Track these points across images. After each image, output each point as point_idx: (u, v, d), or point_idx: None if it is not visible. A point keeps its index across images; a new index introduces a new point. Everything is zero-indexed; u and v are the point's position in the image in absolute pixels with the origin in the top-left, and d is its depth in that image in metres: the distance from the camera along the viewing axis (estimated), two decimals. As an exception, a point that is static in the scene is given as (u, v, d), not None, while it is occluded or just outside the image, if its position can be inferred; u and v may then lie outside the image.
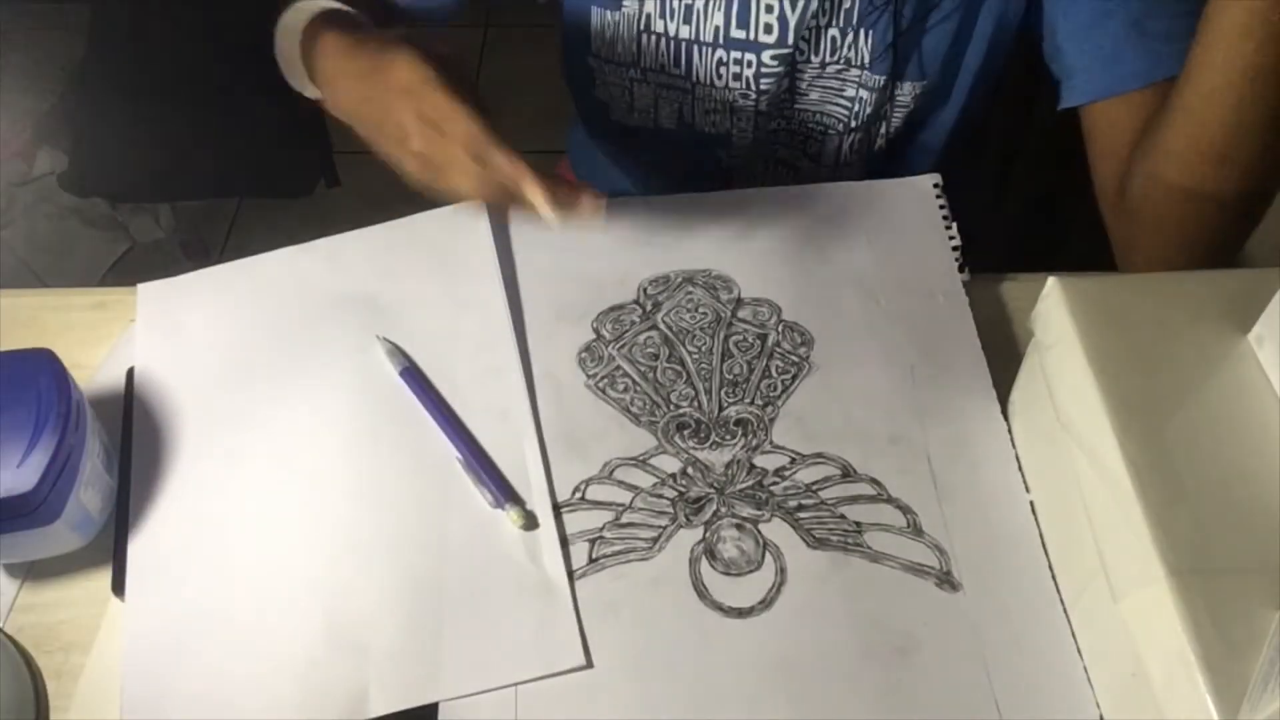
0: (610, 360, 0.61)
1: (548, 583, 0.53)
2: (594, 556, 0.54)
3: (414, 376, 0.59)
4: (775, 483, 0.56)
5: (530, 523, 0.54)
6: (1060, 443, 0.50)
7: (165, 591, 0.53)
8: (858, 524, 0.54)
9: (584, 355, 0.61)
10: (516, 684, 0.50)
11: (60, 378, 0.54)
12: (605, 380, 0.60)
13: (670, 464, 0.57)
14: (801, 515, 0.54)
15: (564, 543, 0.54)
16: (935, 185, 0.67)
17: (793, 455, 0.57)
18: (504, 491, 0.55)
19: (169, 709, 0.50)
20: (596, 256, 0.65)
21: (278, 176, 1.68)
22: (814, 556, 0.53)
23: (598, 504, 0.55)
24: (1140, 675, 0.43)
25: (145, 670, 0.51)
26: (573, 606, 0.52)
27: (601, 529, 0.55)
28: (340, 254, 0.67)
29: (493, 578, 0.53)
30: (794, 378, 0.59)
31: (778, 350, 0.61)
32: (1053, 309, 0.52)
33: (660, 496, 0.55)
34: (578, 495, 0.56)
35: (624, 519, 0.55)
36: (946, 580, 0.52)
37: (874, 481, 0.56)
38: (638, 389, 0.59)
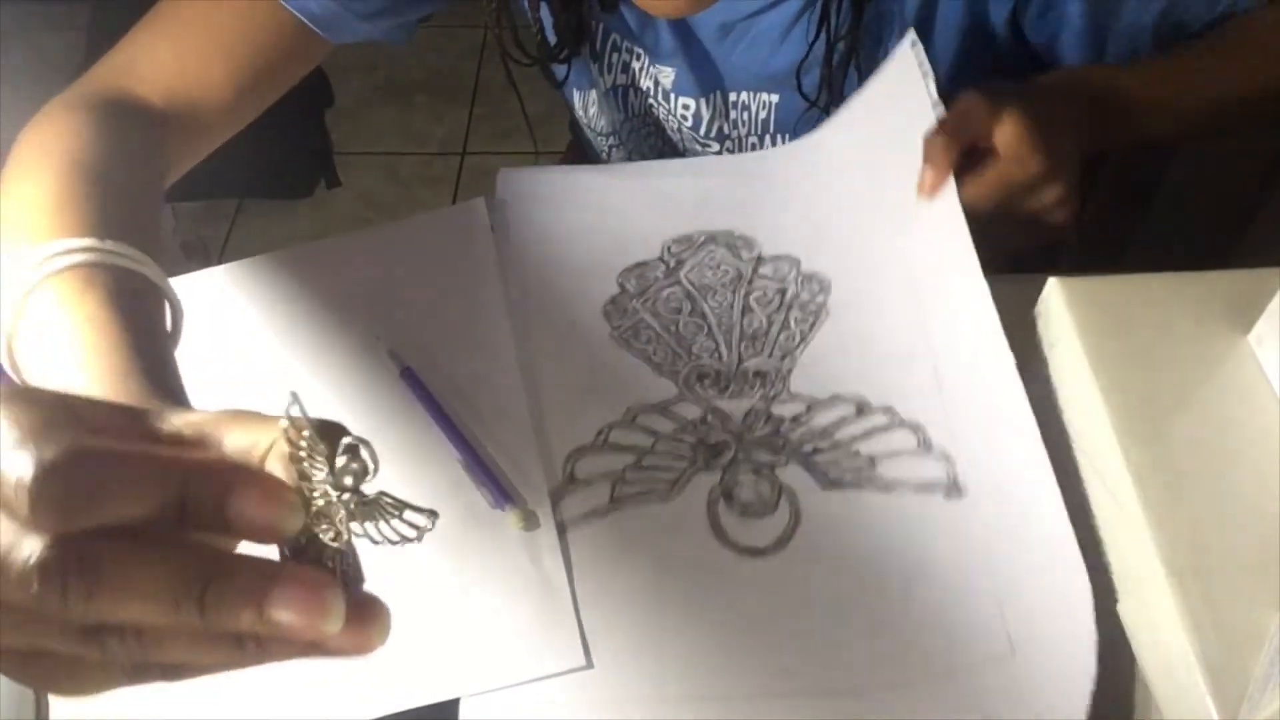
0: (634, 313, 0.62)
1: (548, 583, 0.53)
2: (615, 496, 0.55)
3: (414, 377, 0.59)
4: (792, 429, 0.56)
5: (530, 523, 0.54)
6: (1060, 445, 0.50)
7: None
8: (871, 458, 0.55)
9: (609, 308, 0.62)
10: (516, 684, 0.50)
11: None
12: (629, 331, 0.61)
13: (691, 411, 0.57)
14: (817, 459, 0.55)
15: (585, 483, 0.55)
16: (912, 44, 0.62)
17: (809, 401, 0.57)
18: (504, 492, 0.55)
19: (169, 708, 0.50)
20: (622, 215, 0.66)
21: (278, 177, 1.68)
22: (827, 498, 0.54)
23: (620, 447, 0.57)
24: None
25: (145, 670, 0.51)
26: (573, 606, 0.52)
27: (623, 471, 0.56)
28: (340, 255, 0.67)
29: (493, 578, 0.53)
30: (811, 326, 0.60)
31: (796, 302, 0.61)
32: (1053, 310, 0.52)
33: (680, 441, 0.56)
34: (601, 438, 0.57)
35: (645, 462, 0.56)
36: (954, 488, 0.53)
37: (886, 410, 0.56)
38: (660, 340, 0.60)
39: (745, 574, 0.52)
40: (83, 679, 0.29)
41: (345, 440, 0.27)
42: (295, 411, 0.27)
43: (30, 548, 0.25)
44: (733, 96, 0.72)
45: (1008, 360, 0.51)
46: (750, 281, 0.63)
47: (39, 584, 0.25)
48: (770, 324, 0.61)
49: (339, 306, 0.64)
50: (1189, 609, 0.40)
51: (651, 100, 0.75)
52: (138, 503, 0.26)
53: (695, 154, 0.79)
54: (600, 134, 0.81)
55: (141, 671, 0.29)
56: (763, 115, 0.72)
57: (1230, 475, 0.44)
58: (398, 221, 0.68)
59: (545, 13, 0.67)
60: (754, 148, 0.75)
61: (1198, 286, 0.51)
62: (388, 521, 0.27)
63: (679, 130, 0.76)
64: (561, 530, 0.54)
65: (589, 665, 0.50)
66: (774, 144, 0.75)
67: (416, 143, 1.93)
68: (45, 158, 0.51)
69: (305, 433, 0.27)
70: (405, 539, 0.27)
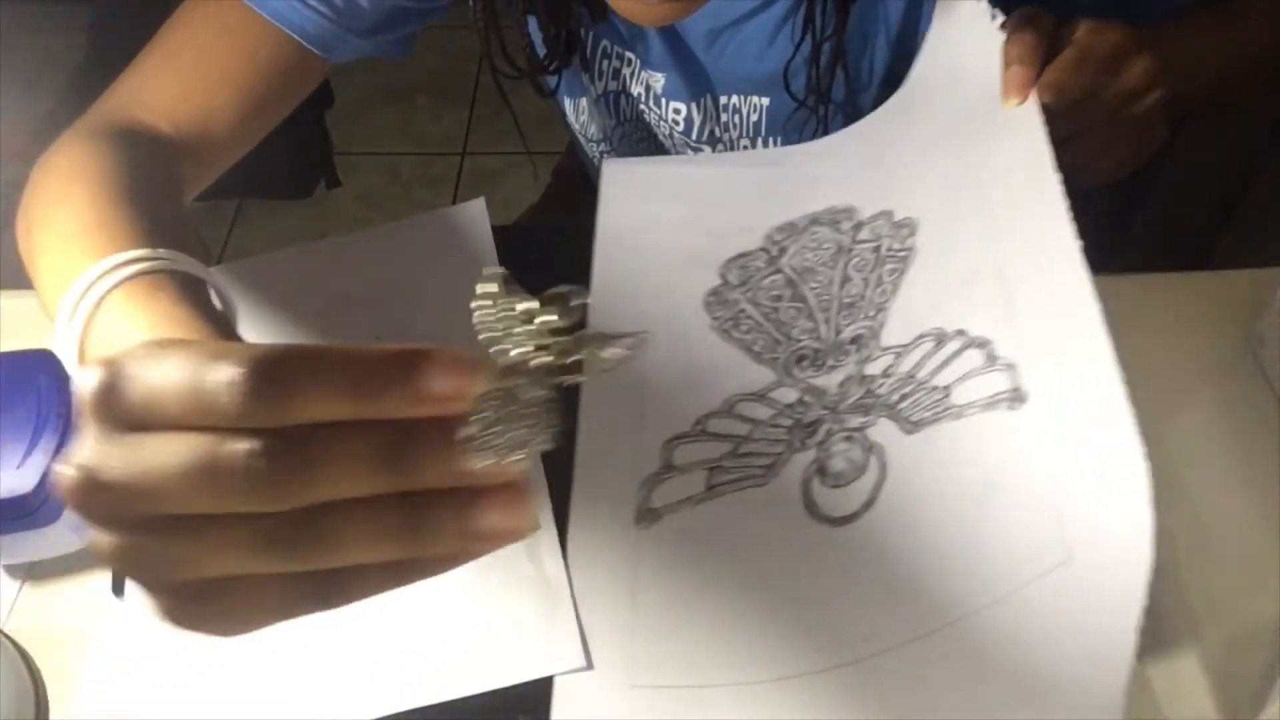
0: (735, 304, 0.61)
1: (548, 583, 0.53)
2: (711, 484, 0.54)
3: (414, 377, 0.59)
4: (881, 383, 0.55)
5: (530, 524, 0.54)
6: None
7: (165, 592, 0.53)
8: (946, 387, 0.52)
9: (710, 299, 0.61)
10: (515, 684, 0.50)
11: (60, 378, 0.54)
12: (730, 322, 0.60)
13: (788, 395, 0.57)
14: (902, 405, 0.53)
15: (682, 471, 0.55)
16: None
17: (897, 350, 0.56)
18: (504, 492, 0.55)
19: (169, 709, 0.50)
20: (723, 207, 0.66)
21: (278, 177, 1.67)
22: (910, 442, 0.52)
23: (717, 436, 0.56)
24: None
25: (145, 670, 0.51)
26: (572, 606, 0.52)
27: (720, 459, 0.55)
28: (341, 255, 0.67)
29: (493, 578, 0.53)
30: (901, 273, 0.58)
31: (888, 254, 0.60)
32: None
33: (777, 426, 0.56)
34: (698, 428, 0.56)
35: (742, 449, 0.55)
36: (1016, 396, 0.50)
37: (960, 333, 0.54)
38: (760, 329, 0.60)
39: (834, 543, 0.50)
40: (251, 606, 0.30)
41: (553, 290, 0.28)
42: (485, 287, 0.28)
43: (243, 442, 0.27)
44: (723, 100, 0.72)
45: (1074, 251, 0.48)
46: (850, 251, 0.61)
47: (250, 467, 0.26)
48: (865, 285, 0.59)
49: (339, 306, 0.64)
50: (1190, 609, 0.40)
51: (642, 106, 0.75)
52: (331, 392, 0.27)
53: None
54: (592, 140, 0.81)
55: (320, 590, 0.30)
56: (754, 119, 0.72)
57: (1230, 475, 0.44)
58: (398, 221, 0.68)
59: (533, 26, 0.67)
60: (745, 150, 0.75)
61: (1198, 286, 0.51)
62: (598, 353, 0.28)
63: (670, 136, 0.76)
64: (655, 516, 0.53)
65: (589, 666, 0.50)
66: (766, 148, 0.74)
67: (416, 143, 1.93)
68: (72, 185, 0.51)
69: (498, 289, 0.28)
70: (621, 363, 0.28)
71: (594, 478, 0.55)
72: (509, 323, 0.28)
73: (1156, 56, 0.55)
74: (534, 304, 0.28)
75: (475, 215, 0.66)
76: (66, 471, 0.28)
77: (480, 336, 0.28)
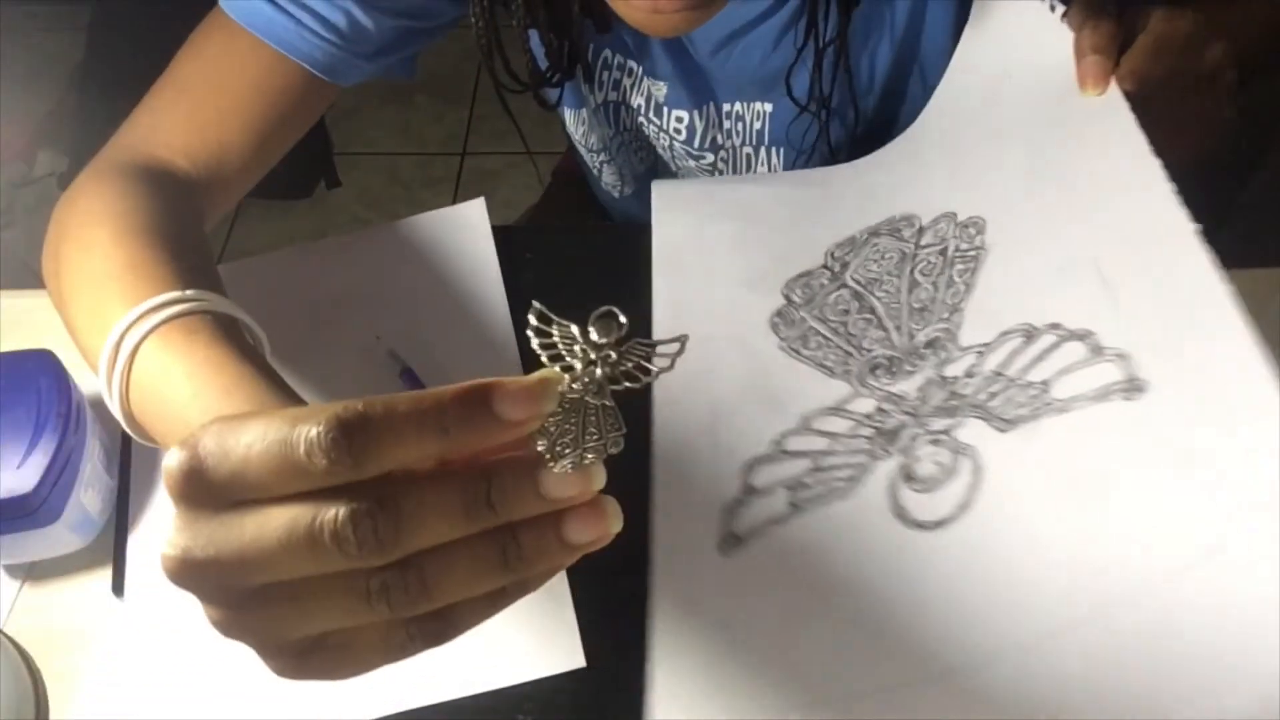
0: (802, 323, 0.60)
1: (547, 583, 0.53)
2: (794, 502, 0.53)
3: (414, 377, 0.59)
4: (965, 384, 0.53)
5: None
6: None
7: (165, 591, 0.53)
8: (1044, 382, 0.51)
9: (776, 320, 0.60)
10: (515, 685, 0.50)
11: (60, 378, 0.54)
12: (798, 341, 0.59)
13: (866, 405, 0.55)
14: (991, 404, 0.52)
15: (763, 493, 0.53)
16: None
17: (979, 349, 0.54)
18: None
19: (169, 709, 0.50)
20: (781, 226, 0.65)
21: (278, 177, 1.66)
22: (1006, 440, 0.50)
23: (797, 454, 0.55)
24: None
25: (145, 670, 0.51)
26: (572, 607, 0.52)
27: (800, 476, 0.54)
28: (340, 255, 0.67)
29: (493, 578, 0.53)
30: (973, 272, 0.57)
31: (956, 254, 0.59)
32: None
33: (857, 436, 0.54)
34: (776, 448, 0.55)
35: (823, 463, 0.54)
36: (1133, 385, 0.48)
37: (1053, 327, 0.52)
38: (830, 344, 0.58)
39: (932, 549, 0.49)
40: (362, 653, 0.32)
41: (598, 311, 0.32)
42: (533, 319, 0.32)
43: (334, 505, 0.28)
44: (726, 108, 0.72)
45: (1189, 234, 0.46)
46: (914, 257, 0.60)
47: (351, 530, 0.28)
48: (935, 288, 0.58)
49: (339, 306, 0.64)
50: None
51: (642, 118, 0.75)
52: (414, 440, 0.28)
53: (686, 168, 0.78)
54: (591, 150, 0.81)
55: (418, 632, 0.32)
56: (757, 126, 0.72)
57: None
58: (398, 221, 0.68)
59: (535, 40, 0.67)
60: (748, 158, 0.75)
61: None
62: (644, 362, 0.32)
63: (670, 147, 0.76)
64: (740, 543, 0.52)
65: (589, 666, 0.50)
66: (769, 155, 0.74)
67: (416, 143, 1.93)
68: (96, 227, 0.52)
69: (548, 319, 0.32)
70: (664, 370, 0.32)
71: (673, 507, 0.53)
72: (567, 343, 0.32)
73: (1228, 40, 0.55)
74: (586, 326, 0.32)
75: (475, 215, 0.66)
76: (167, 554, 0.30)
77: (542, 355, 0.31)
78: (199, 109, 0.59)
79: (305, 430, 0.28)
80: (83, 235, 0.52)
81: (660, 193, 0.67)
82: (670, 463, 0.55)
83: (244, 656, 0.51)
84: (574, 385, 0.31)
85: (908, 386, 0.55)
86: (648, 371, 0.32)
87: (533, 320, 0.32)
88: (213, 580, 0.30)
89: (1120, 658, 0.43)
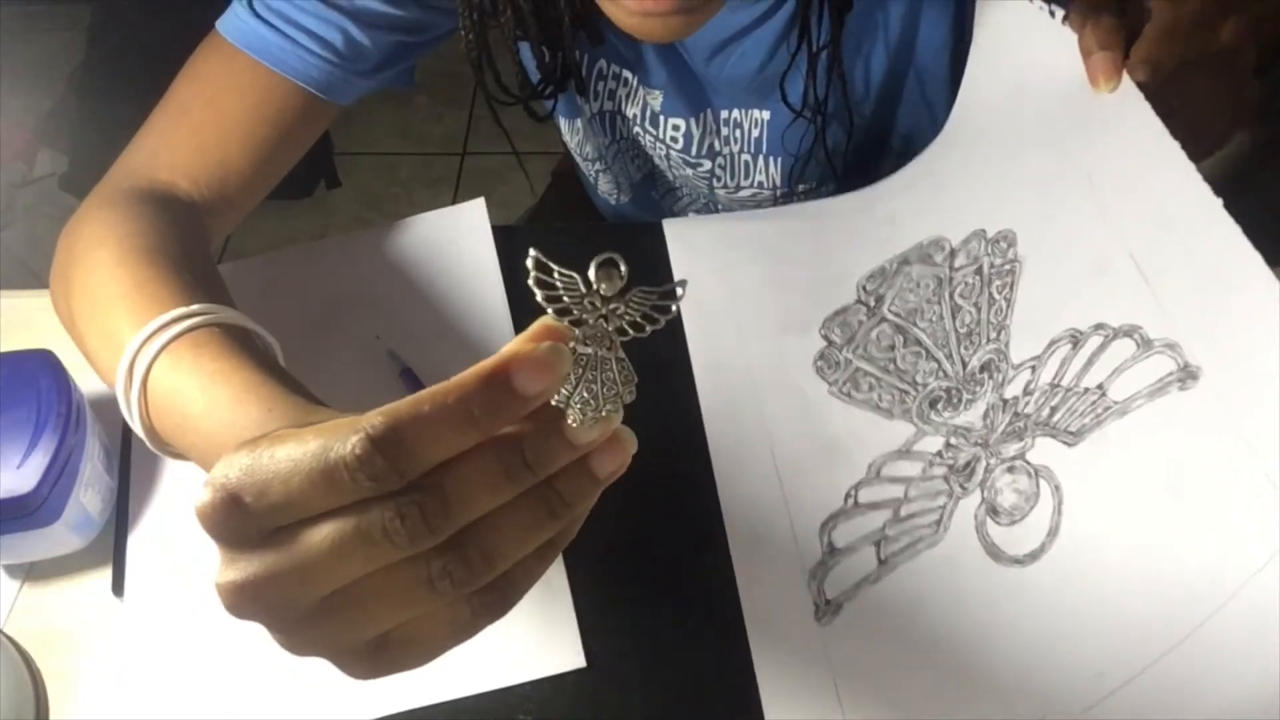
0: (847, 364, 0.59)
1: (548, 584, 0.53)
2: (883, 558, 0.52)
3: (414, 377, 0.59)
4: (1026, 402, 0.52)
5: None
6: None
7: (165, 591, 0.53)
8: (1100, 386, 0.49)
9: (820, 364, 0.59)
10: (516, 685, 0.50)
11: (60, 378, 0.54)
12: (848, 384, 0.58)
13: (933, 443, 0.54)
14: (1055, 418, 0.50)
15: (847, 552, 0.52)
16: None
17: (1032, 363, 0.52)
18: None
19: (169, 709, 0.50)
20: (806, 263, 0.63)
21: (278, 177, 1.68)
22: (1076, 454, 0.49)
23: (873, 505, 0.54)
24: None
25: (145, 670, 0.51)
26: (572, 607, 0.52)
27: (883, 528, 0.53)
28: (340, 255, 0.67)
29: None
30: (1012, 286, 0.55)
31: (993, 271, 0.57)
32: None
33: (931, 478, 0.53)
34: (850, 501, 0.54)
35: (902, 511, 0.53)
36: (1186, 374, 0.46)
37: (1099, 327, 0.50)
38: (882, 384, 0.57)
39: (1029, 581, 0.47)
40: (431, 638, 0.32)
41: (597, 259, 0.31)
42: (532, 269, 0.31)
43: (385, 507, 0.29)
44: (724, 114, 0.72)
45: (1219, 214, 0.45)
46: (950, 281, 0.58)
47: (403, 525, 0.29)
48: (978, 309, 0.56)
49: (339, 306, 0.64)
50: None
51: (637, 128, 0.75)
52: (449, 433, 0.29)
53: (683, 176, 0.78)
54: (587, 159, 0.81)
55: (480, 606, 0.32)
56: (755, 133, 0.72)
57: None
58: (398, 221, 0.68)
59: (526, 53, 0.67)
60: (746, 165, 0.75)
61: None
62: (647, 309, 0.32)
63: (666, 156, 0.76)
64: (835, 609, 0.51)
65: (589, 666, 0.50)
66: (767, 163, 0.74)
67: (416, 143, 1.93)
68: (102, 250, 0.52)
69: (549, 268, 0.31)
70: (668, 315, 0.32)
71: (758, 580, 0.52)
72: (571, 294, 0.32)
73: (1244, 11, 0.54)
74: (589, 274, 0.31)
75: (475, 215, 0.66)
76: (223, 590, 0.30)
77: (548, 308, 0.31)
78: (199, 132, 0.60)
79: (340, 452, 0.28)
80: (89, 258, 0.52)
81: (675, 234, 0.66)
82: (742, 527, 0.54)
83: (243, 656, 0.51)
84: (586, 340, 0.31)
85: (972, 416, 0.54)
86: (654, 320, 0.32)
87: (532, 270, 0.32)
88: (274, 603, 0.30)
89: (1228, 663, 0.41)
